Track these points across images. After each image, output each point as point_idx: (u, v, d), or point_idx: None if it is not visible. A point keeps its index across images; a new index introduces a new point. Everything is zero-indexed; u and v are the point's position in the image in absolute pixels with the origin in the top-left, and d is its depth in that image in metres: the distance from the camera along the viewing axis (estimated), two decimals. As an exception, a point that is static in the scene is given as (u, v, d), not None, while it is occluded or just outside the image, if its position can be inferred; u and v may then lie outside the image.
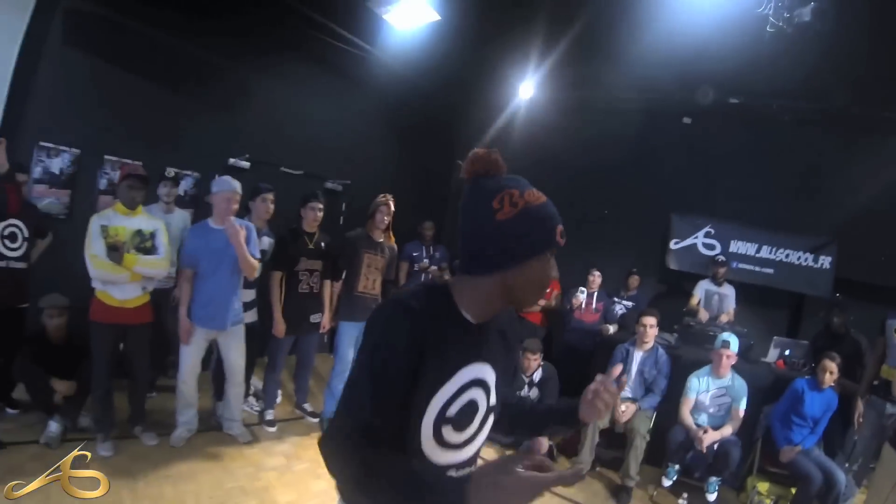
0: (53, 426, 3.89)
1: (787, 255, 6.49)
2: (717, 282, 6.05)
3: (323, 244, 4.80)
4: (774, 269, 6.53)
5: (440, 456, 1.36)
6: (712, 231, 6.79)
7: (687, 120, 6.96)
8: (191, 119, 5.70)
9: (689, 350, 5.25)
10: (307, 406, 5.18)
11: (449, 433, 1.35)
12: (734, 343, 4.54)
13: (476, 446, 1.47)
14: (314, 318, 4.81)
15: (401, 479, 1.18)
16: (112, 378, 3.91)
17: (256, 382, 5.22)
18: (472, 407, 1.38)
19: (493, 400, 1.45)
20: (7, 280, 3.99)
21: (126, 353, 3.98)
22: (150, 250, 3.86)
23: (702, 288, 6.11)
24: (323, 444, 1.25)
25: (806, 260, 6.42)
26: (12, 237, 4.01)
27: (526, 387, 5.06)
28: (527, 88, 7.35)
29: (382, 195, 4.80)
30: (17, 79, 4.63)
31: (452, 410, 1.34)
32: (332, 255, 4.85)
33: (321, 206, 4.75)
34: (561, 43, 6.02)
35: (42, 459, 3.61)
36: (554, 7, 5.41)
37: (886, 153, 6.02)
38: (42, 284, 4.23)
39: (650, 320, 4.87)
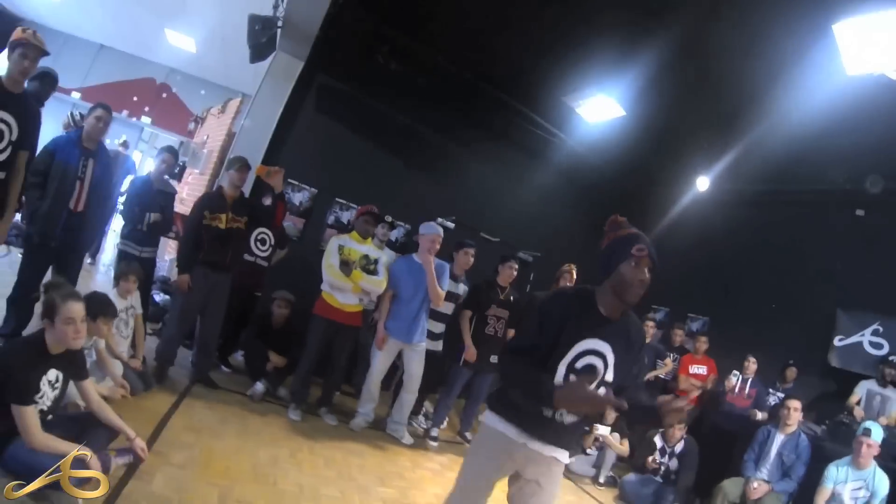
0: (259, 386, 5.02)
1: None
2: (882, 383, 5.81)
3: (512, 297, 5.58)
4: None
5: None
6: (881, 329, 6.40)
7: (860, 212, 6.79)
8: (409, 181, 7.05)
9: (835, 447, 5.06)
10: (468, 434, 5.80)
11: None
12: (877, 431, 4.45)
13: None
14: (494, 359, 5.47)
15: (524, 374, 2.13)
16: (315, 364, 4.91)
17: (429, 406, 5.96)
18: (592, 369, 2.16)
19: (609, 375, 2.20)
20: (253, 271, 5.45)
21: (332, 349, 4.96)
22: (373, 272, 4.94)
23: (864, 387, 5.87)
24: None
25: None
26: (262, 241, 5.53)
27: (667, 456, 5.38)
28: (703, 181, 7.73)
29: (567, 264, 5.57)
30: (278, 129, 6.20)
31: (579, 365, 2.14)
32: (518, 308, 5.59)
33: (516, 265, 5.61)
34: (735, 139, 6.50)
35: (244, 405, 4.75)
36: (725, 106, 5.96)
37: None
38: (275, 283, 5.59)
39: (795, 404, 4.99)
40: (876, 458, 4.50)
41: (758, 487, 4.76)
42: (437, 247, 5.04)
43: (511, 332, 5.55)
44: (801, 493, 4.79)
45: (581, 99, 6.72)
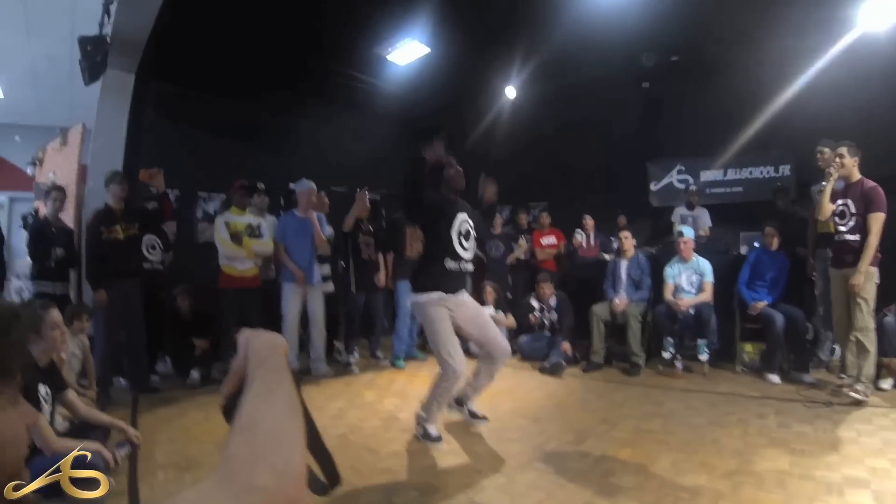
0: (194, 374, 5.47)
1: (750, 173, 7.50)
2: (690, 207, 7.25)
3: (371, 227, 6.30)
4: (742, 187, 7.57)
5: (461, 252, 3.59)
6: (683, 168, 7.98)
7: (645, 84, 8.19)
8: (258, 159, 7.49)
9: (668, 259, 6.11)
10: (379, 353, 6.56)
11: (462, 241, 3.58)
12: (687, 231, 5.82)
13: (472, 252, 3.67)
14: (376, 280, 6.21)
15: None
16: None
17: (338, 345, 6.51)
18: (468, 231, 3.59)
19: (474, 232, 3.61)
20: (152, 277, 5.55)
21: (246, 316, 5.37)
22: (259, 236, 5.53)
23: (678, 214, 7.33)
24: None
25: (768, 172, 7.35)
26: (153, 247, 5.67)
27: (545, 311, 6.41)
28: (511, 91, 8.88)
29: None
30: (128, 142, 6.36)
31: (462, 230, 3.52)
32: (380, 233, 6.37)
33: (367, 196, 6.19)
34: (529, 49, 7.59)
35: (189, 394, 5.13)
36: (516, 24, 6.95)
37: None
38: (173, 283, 5.91)
39: (625, 234, 6.23)
40: (696, 250, 5.81)
41: (619, 302, 5.90)
42: (314, 199, 5.73)
43: (380, 254, 6.27)
44: (655, 298, 6.01)
45: (390, 47, 7.61)
